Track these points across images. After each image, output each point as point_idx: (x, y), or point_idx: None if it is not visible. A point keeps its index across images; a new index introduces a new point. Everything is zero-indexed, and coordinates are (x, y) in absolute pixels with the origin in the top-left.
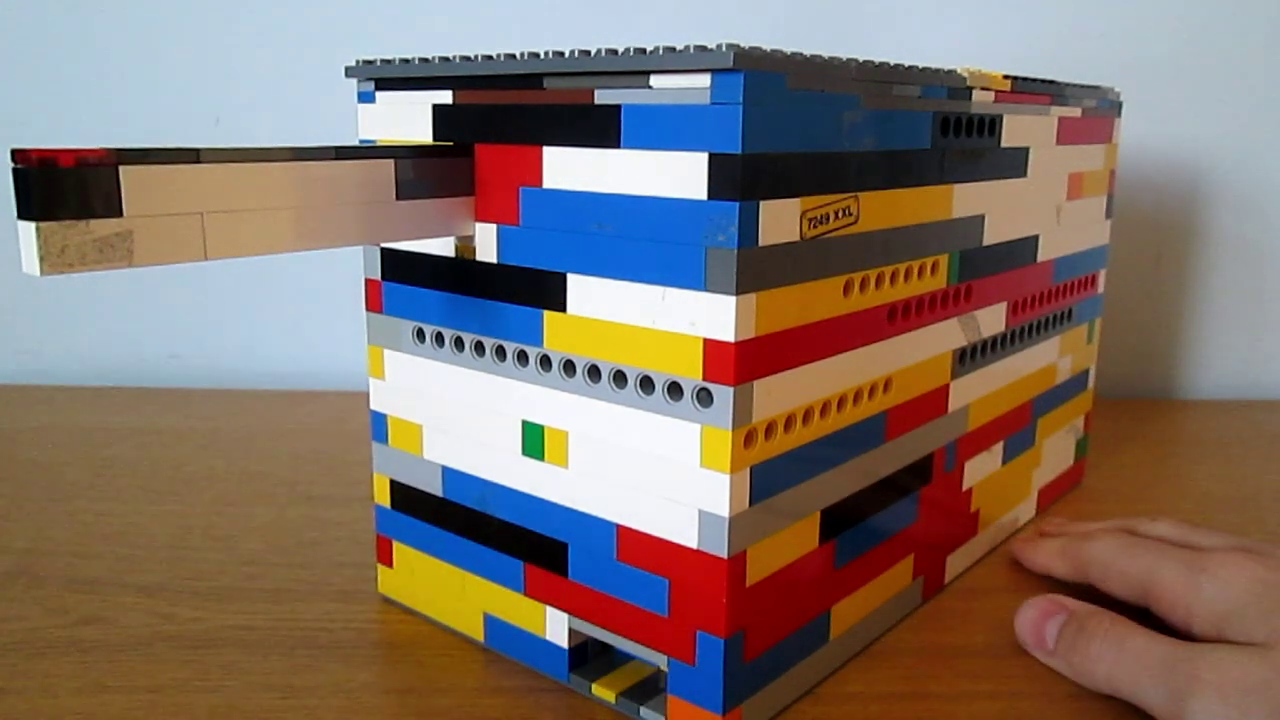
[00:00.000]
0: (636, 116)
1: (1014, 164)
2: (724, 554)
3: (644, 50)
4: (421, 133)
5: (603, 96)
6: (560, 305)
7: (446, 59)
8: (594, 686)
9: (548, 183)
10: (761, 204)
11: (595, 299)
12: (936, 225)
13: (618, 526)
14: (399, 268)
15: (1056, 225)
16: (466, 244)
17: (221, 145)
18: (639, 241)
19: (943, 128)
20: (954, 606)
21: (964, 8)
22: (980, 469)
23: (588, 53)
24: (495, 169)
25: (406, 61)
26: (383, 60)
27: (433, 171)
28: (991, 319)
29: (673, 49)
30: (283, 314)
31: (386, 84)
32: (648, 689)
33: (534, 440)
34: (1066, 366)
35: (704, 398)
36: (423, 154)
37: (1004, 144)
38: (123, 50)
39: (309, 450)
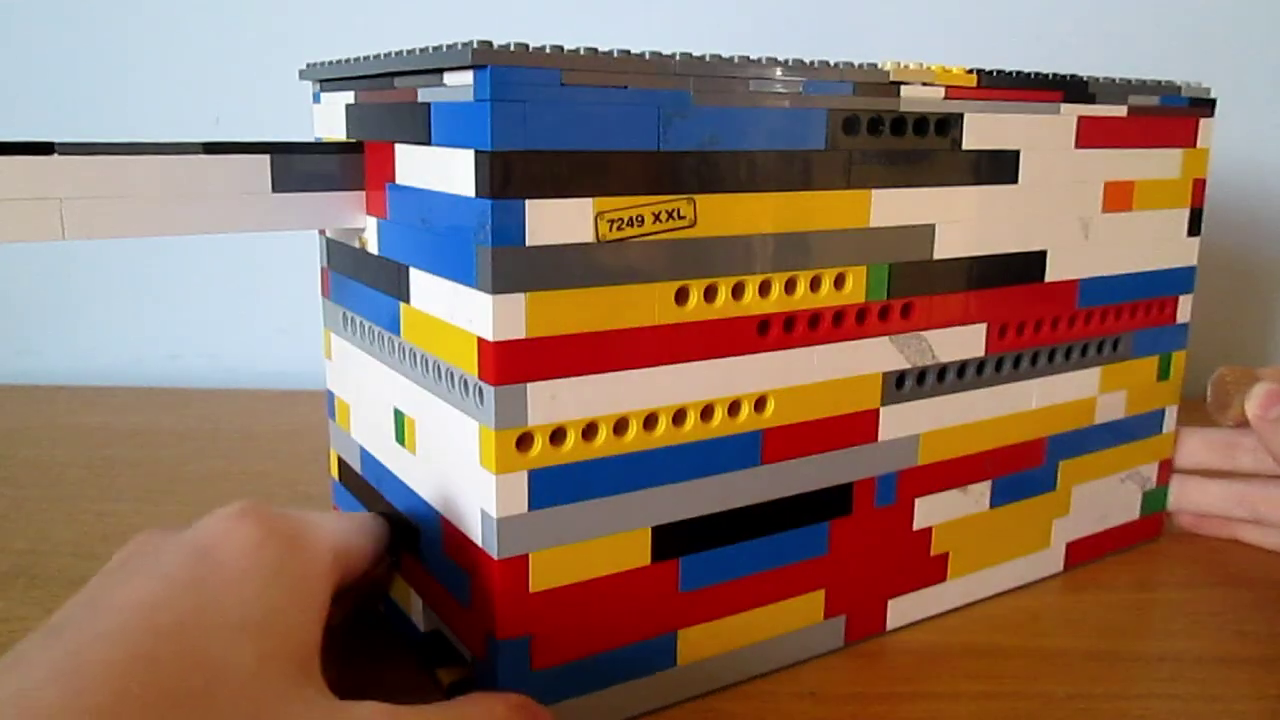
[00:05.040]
0: (439, 114)
1: (989, 169)
2: (494, 555)
3: (437, 48)
4: (339, 131)
5: (422, 95)
6: (408, 297)
7: (358, 59)
8: (439, 671)
9: (399, 179)
10: (529, 203)
11: (425, 293)
12: (840, 234)
13: (441, 517)
14: (335, 257)
15: (1083, 240)
16: (362, 236)
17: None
18: (442, 237)
19: (846, 127)
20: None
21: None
22: (945, 509)
23: (400, 52)
24: (374, 165)
25: (335, 63)
26: (326, 62)
27: (315, 167)
28: (956, 342)
29: (440, 48)
30: (282, 314)
31: (327, 84)
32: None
33: (400, 427)
34: (1116, 404)
35: (480, 396)
36: (303, 150)
37: (967, 145)
38: (123, 50)
39: (309, 450)
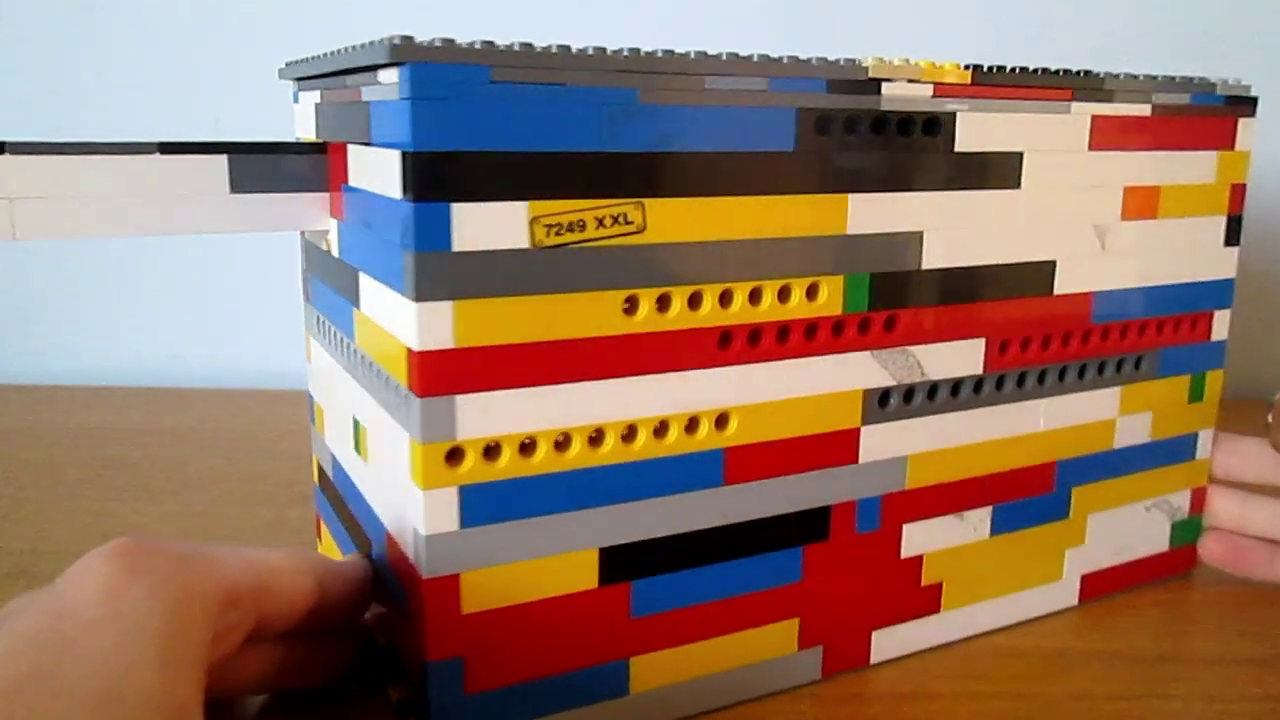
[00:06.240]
0: (375, 113)
1: (987, 172)
2: (422, 573)
3: (365, 45)
4: (310, 130)
5: (364, 94)
6: (359, 303)
7: (321, 56)
8: (389, 688)
9: (351, 180)
10: (455, 206)
11: (370, 298)
12: (812, 241)
13: (386, 530)
14: (311, 260)
15: (1099, 250)
16: (328, 238)
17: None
18: (380, 241)
19: (819, 126)
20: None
21: None
22: (937, 536)
23: (346, 49)
24: (335, 166)
25: (305, 61)
26: (301, 60)
27: (275, 168)
28: (949, 358)
29: (370, 44)
30: (282, 314)
31: (302, 83)
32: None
33: (358, 435)
34: (1140, 427)
35: (409, 407)
36: (262, 151)
37: (961, 147)
38: (123, 50)
39: (309, 450)
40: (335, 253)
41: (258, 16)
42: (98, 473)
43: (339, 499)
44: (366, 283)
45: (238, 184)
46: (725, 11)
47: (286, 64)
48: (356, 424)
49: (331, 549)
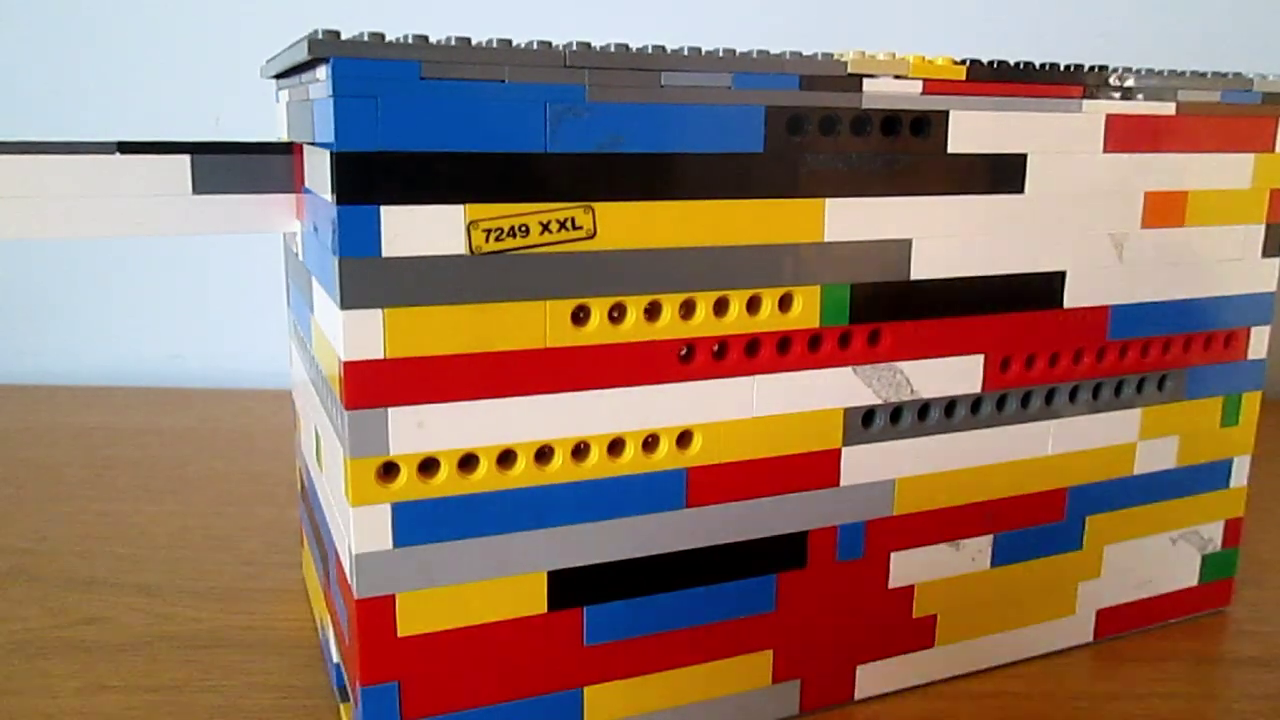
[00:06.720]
0: (316, 112)
1: (986, 176)
2: (354, 594)
3: (298, 43)
4: (285, 130)
5: (310, 92)
6: (314, 309)
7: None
8: (341, 706)
9: (306, 182)
10: (385, 209)
11: (320, 305)
12: (784, 249)
13: (334, 549)
14: (289, 264)
15: (1116, 261)
16: (297, 241)
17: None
18: (321, 245)
19: (792, 126)
20: None
21: None
22: (930, 566)
23: (289, 47)
24: (299, 167)
25: (273, 59)
26: (271, 59)
27: (240, 168)
28: (942, 375)
29: (299, 41)
30: (282, 314)
31: (280, 81)
32: None
33: (317, 445)
34: (1165, 452)
35: (341, 421)
36: (226, 151)
37: (955, 149)
38: (123, 50)
39: None
40: (301, 256)
41: (258, 16)
42: (98, 473)
43: (310, 510)
44: (317, 288)
45: (201, 185)
46: (723, 12)
47: (266, 61)
48: (316, 434)
49: (309, 561)
